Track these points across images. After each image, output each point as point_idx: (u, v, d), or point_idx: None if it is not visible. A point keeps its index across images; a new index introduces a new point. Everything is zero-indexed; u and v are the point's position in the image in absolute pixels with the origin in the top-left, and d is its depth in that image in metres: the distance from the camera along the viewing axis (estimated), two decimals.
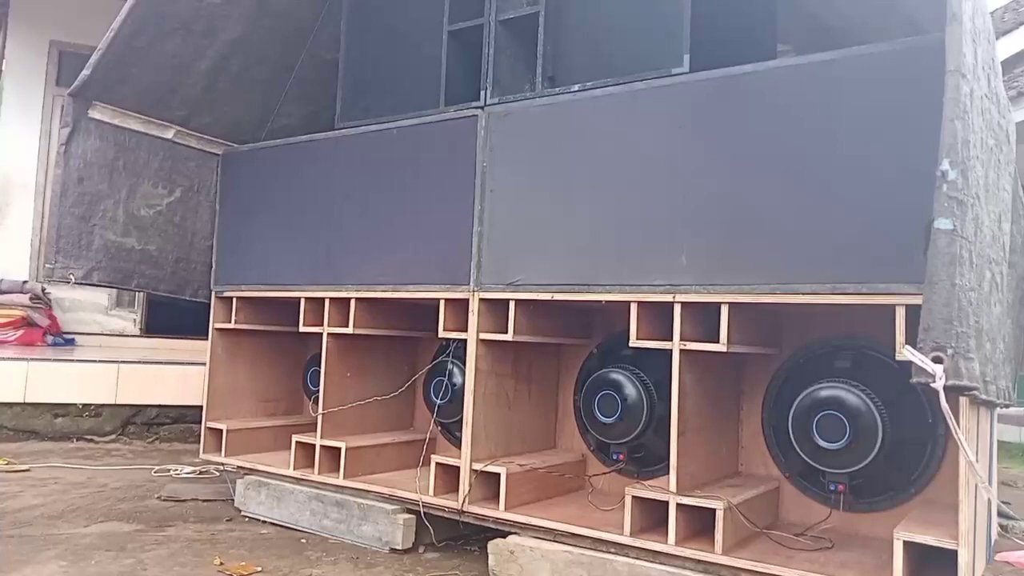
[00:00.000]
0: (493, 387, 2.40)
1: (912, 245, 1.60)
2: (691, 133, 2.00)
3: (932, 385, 1.21)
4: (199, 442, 3.09)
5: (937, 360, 1.21)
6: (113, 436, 4.35)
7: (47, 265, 2.76)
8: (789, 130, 1.86)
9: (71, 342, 5.93)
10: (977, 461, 1.30)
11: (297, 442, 2.75)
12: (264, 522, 2.73)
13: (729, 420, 2.32)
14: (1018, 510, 3.19)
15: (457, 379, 2.60)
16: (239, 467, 2.94)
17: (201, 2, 2.82)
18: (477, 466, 2.31)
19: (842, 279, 1.75)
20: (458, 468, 2.34)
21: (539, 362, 2.62)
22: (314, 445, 2.68)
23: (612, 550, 2.03)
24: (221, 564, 2.22)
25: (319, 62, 3.35)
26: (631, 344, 2.05)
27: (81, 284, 2.85)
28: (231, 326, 3.03)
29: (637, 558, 1.98)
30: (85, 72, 2.70)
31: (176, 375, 4.51)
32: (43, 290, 5.92)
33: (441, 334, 2.41)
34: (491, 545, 2.20)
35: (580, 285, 2.15)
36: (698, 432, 2.07)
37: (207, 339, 3.09)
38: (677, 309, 1.97)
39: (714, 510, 1.89)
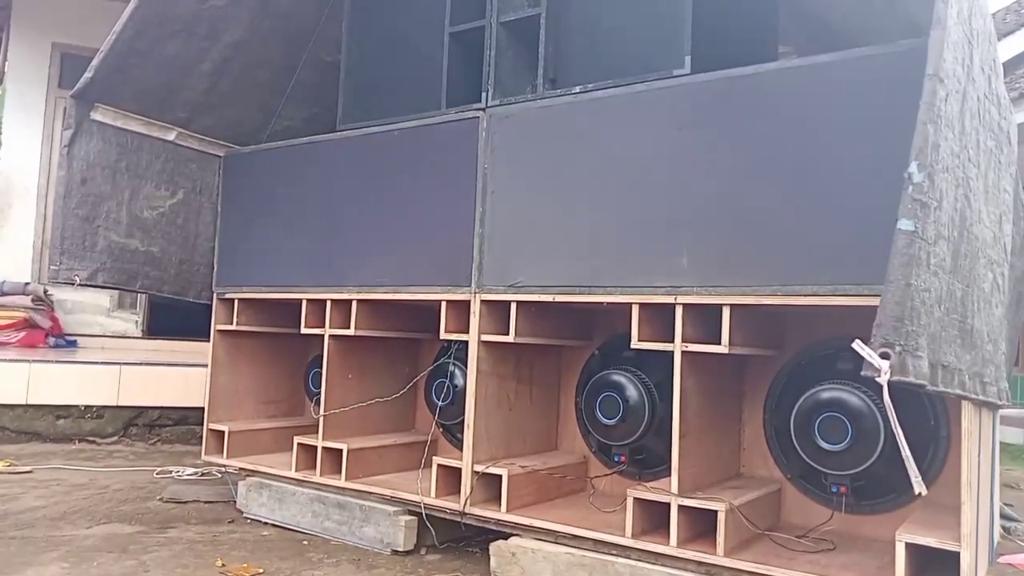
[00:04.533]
0: (494, 389, 2.40)
1: None
2: (692, 134, 2.00)
3: (877, 379, 1.25)
4: (201, 444, 3.09)
5: (884, 356, 1.24)
6: (115, 438, 4.35)
7: (51, 267, 2.76)
8: (790, 131, 1.86)
9: (73, 344, 5.93)
10: (912, 456, 1.33)
11: (299, 444, 2.75)
12: (266, 524, 2.73)
13: (731, 422, 2.32)
14: (1020, 512, 3.19)
15: (458, 381, 2.61)
16: (241, 469, 2.94)
17: (203, 4, 2.82)
18: (479, 468, 2.31)
19: (843, 280, 1.75)
20: (460, 470, 2.34)
21: (540, 364, 2.62)
22: (316, 447, 2.68)
23: (614, 552, 2.03)
24: (223, 566, 2.22)
25: (321, 64, 3.35)
26: (632, 346, 2.05)
27: (86, 285, 2.85)
28: (233, 328, 3.03)
29: (639, 560, 1.98)
30: (87, 74, 2.70)
31: (178, 377, 4.51)
32: (45, 292, 5.93)
33: (442, 336, 2.41)
34: (493, 547, 2.20)
35: (581, 287, 2.15)
36: (700, 434, 2.07)
37: (209, 341, 3.10)
38: (678, 311, 1.98)
39: (716, 512, 1.89)
